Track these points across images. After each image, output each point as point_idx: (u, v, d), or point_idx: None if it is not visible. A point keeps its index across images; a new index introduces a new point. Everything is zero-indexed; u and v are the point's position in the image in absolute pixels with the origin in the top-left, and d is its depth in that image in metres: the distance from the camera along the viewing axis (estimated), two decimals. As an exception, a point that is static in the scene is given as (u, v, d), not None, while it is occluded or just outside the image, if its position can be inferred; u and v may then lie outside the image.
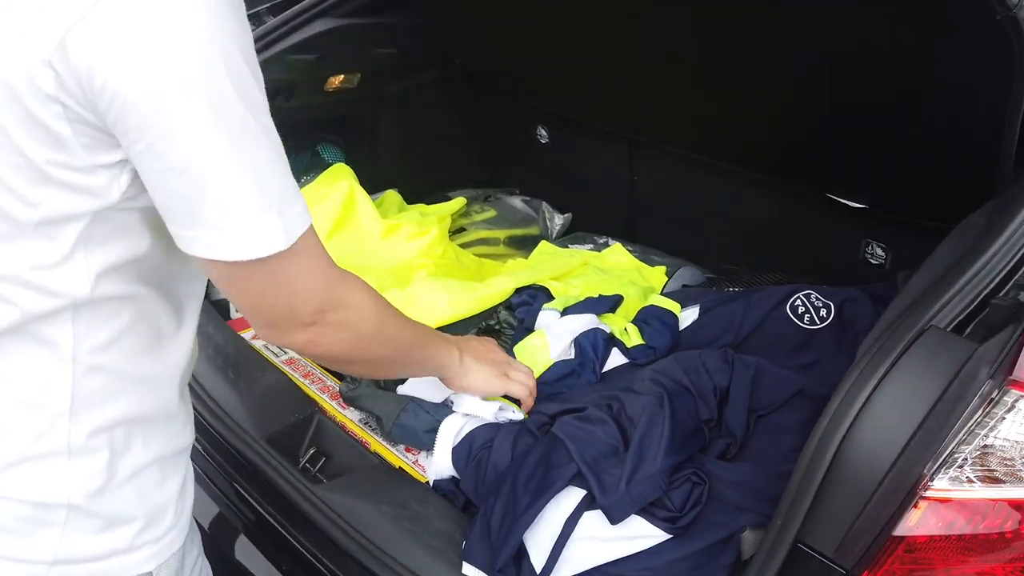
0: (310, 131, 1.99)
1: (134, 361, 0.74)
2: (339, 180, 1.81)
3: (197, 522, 0.94)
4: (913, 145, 1.27)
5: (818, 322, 1.38)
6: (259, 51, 1.69)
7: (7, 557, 0.70)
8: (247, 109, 0.62)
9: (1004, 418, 0.76)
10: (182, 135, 0.60)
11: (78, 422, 0.71)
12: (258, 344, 1.54)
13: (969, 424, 0.78)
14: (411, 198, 1.98)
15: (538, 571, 1.01)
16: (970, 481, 0.78)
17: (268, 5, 1.81)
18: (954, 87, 1.12)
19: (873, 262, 1.60)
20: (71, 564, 0.73)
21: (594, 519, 1.03)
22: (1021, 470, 0.78)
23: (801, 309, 1.40)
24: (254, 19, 1.78)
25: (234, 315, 1.62)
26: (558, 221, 2.14)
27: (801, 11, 1.19)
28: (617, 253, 1.91)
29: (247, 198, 0.63)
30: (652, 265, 1.86)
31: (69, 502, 0.71)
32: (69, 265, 0.66)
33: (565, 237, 2.09)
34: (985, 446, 0.78)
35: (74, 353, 0.69)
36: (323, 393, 1.43)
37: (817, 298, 1.41)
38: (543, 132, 2.12)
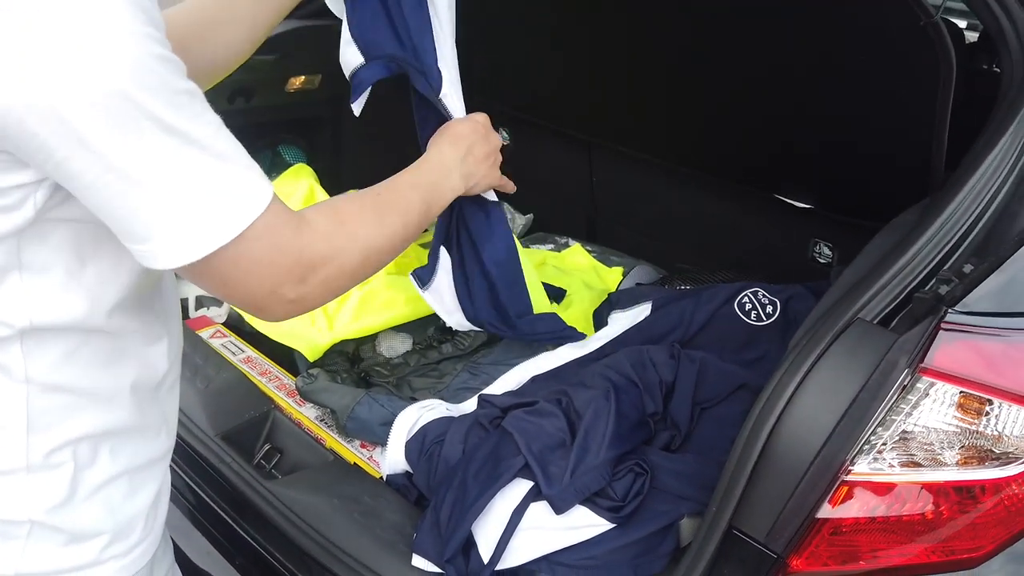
0: (271, 131, 2.00)
1: (92, 377, 0.72)
2: (299, 179, 1.82)
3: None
4: (852, 150, 1.31)
5: (764, 318, 1.42)
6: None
7: None
8: (159, 107, 0.58)
9: (919, 404, 0.80)
10: (88, 152, 0.57)
11: (36, 440, 0.69)
12: (215, 343, 1.55)
13: (889, 411, 0.81)
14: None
15: (485, 561, 1.03)
16: (890, 466, 0.82)
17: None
18: (886, 95, 1.17)
19: (820, 261, 1.65)
20: None
21: (540, 510, 1.06)
22: (939, 455, 0.82)
23: (748, 306, 1.44)
24: None
25: (192, 314, 1.63)
26: (519, 221, 2.16)
27: (747, 27, 1.23)
28: (576, 253, 1.95)
29: (175, 201, 0.60)
30: (610, 265, 1.90)
31: (30, 518, 0.70)
32: (5, 293, 0.64)
33: (526, 237, 2.12)
34: (904, 431, 0.81)
35: (26, 374, 0.67)
36: (280, 391, 1.44)
37: (764, 295, 1.45)
38: (504, 134, 2.15)
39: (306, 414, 1.39)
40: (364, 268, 0.79)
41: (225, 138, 0.64)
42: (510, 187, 1.18)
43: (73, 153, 0.57)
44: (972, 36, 1.91)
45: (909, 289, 0.95)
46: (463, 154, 1.04)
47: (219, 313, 1.63)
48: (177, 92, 0.60)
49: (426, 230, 1.03)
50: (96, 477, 0.74)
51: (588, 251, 1.94)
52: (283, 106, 1.92)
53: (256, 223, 0.64)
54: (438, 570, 1.06)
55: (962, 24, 1.91)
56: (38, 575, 0.72)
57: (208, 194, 0.62)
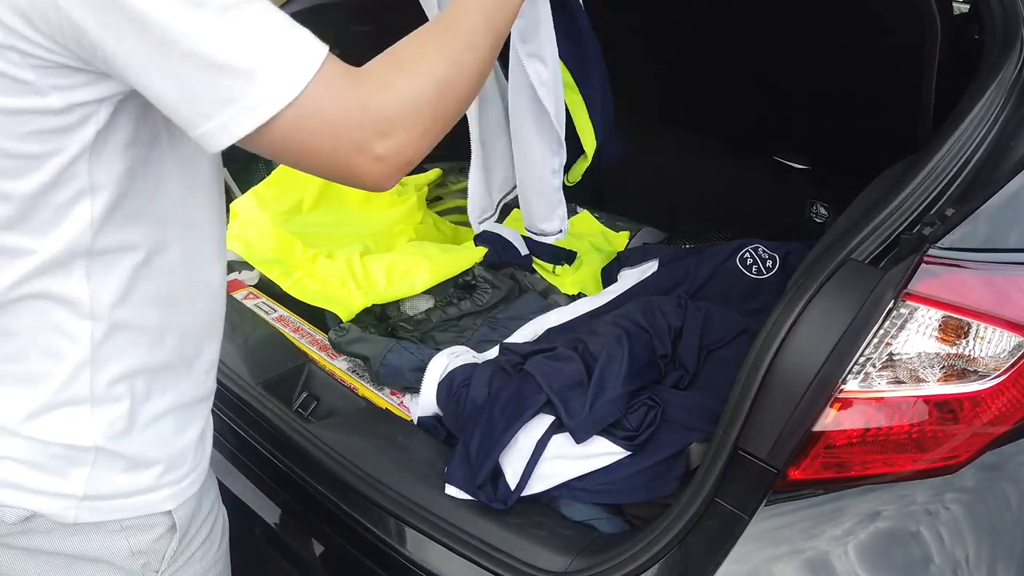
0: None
1: (148, 316, 0.77)
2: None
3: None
4: (844, 110, 1.40)
5: (764, 272, 1.52)
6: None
7: (42, 491, 0.76)
8: None
9: (904, 327, 0.90)
10: (135, 34, 0.58)
11: (99, 372, 0.75)
12: (249, 304, 1.65)
13: (877, 336, 0.91)
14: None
15: (512, 487, 1.14)
16: (878, 383, 0.91)
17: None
18: (874, 57, 1.25)
19: (817, 220, 1.75)
20: (99, 500, 0.77)
21: (561, 441, 1.16)
22: (922, 374, 0.92)
23: (749, 261, 1.54)
24: None
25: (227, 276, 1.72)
26: (529, 191, 2.25)
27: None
28: (585, 220, 2.04)
29: (223, 69, 0.60)
30: (617, 230, 2.00)
31: (95, 444, 0.76)
32: (76, 215, 0.69)
33: (536, 206, 2.21)
34: (891, 354, 0.91)
35: (91, 310, 0.73)
36: (313, 346, 1.54)
37: (764, 251, 1.55)
38: (513, 106, 2.24)
39: (339, 366, 1.49)
40: (443, 104, 0.71)
41: (260, 4, 0.62)
42: None
43: (118, 40, 0.58)
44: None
45: (897, 232, 1.04)
46: None
47: (251, 276, 1.73)
48: None
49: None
50: (151, 410, 0.80)
51: (596, 217, 2.03)
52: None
53: (312, 82, 0.62)
54: (469, 497, 1.16)
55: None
56: (104, 496, 0.78)
57: (258, 58, 0.61)
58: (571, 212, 2.10)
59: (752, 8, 1.33)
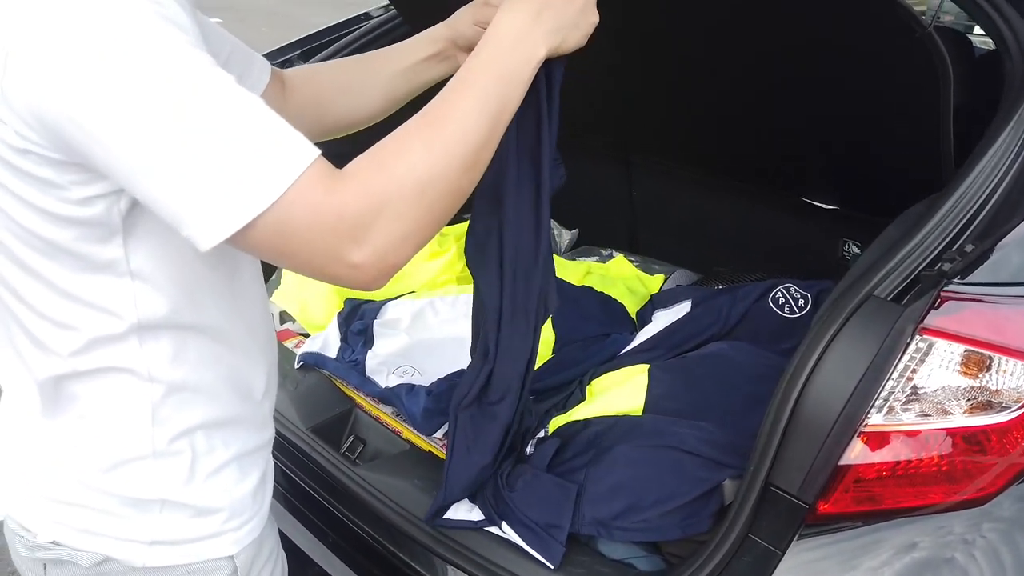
0: (334, 165, 2.19)
1: (202, 375, 0.81)
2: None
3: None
4: (869, 153, 1.44)
5: (797, 311, 1.55)
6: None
7: (114, 537, 0.81)
8: (180, 94, 0.60)
9: (924, 362, 0.92)
10: (116, 145, 0.60)
11: (159, 430, 0.79)
12: (299, 352, 1.73)
13: (899, 371, 0.94)
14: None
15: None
16: (903, 417, 0.94)
17: (298, 52, 2.02)
18: (893, 102, 1.29)
19: (850, 259, 1.76)
20: (166, 545, 0.81)
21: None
22: (947, 406, 0.94)
23: (782, 300, 1.57)
24: (284, 65, 1.99)
25: (278, 327, 1.81)
26: (566, 236, 2.32)
27: (763, 42, 1.37)
28: (620, 264, 2.09)
29: (197, 180, 0.61)
30: (652, 273, 2.04)
31: (161, 496, 0.80)
32: (119, 292, 0.73)
33: (573, 251, 2.27)
34: (914, 387, 0.93)
35: (149, 373, 0.76)
36: (359, 391, 1.61)
37: (796, 290, 1.58)
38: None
39: (384, 410, 1.55)
40: (426, 203, 0.67)
41: (246, 109, 0.63)
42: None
43: (104, 149, 0.61)
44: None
45: (918, 269, 1.07)
46: (537, 10, 0.78)
47: (300, 326, 1.81)
48: (190, 75, 0.61)
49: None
50: (212, 462, 0.84)
51: (631, 261, 2.08)
52: (345, 140, 2.11)
53: (289, 189, 0.61)
54: (512, 537, 1.19)
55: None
56: (171, 541, 0.82)
57: (236, 166, 0.61)
58: (606, 257, 2.16)
59: (774, 56, 1.39)
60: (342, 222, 0.64)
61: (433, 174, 0.68)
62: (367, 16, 2.15)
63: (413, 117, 0.71)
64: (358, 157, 0.68)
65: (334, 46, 2.01)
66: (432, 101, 0.72)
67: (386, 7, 2.13)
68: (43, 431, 0.80)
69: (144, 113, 0.59)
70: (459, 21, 1.00)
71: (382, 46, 2.08)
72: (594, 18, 0.83)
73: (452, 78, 0.75)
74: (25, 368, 0.79)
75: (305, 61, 1.97)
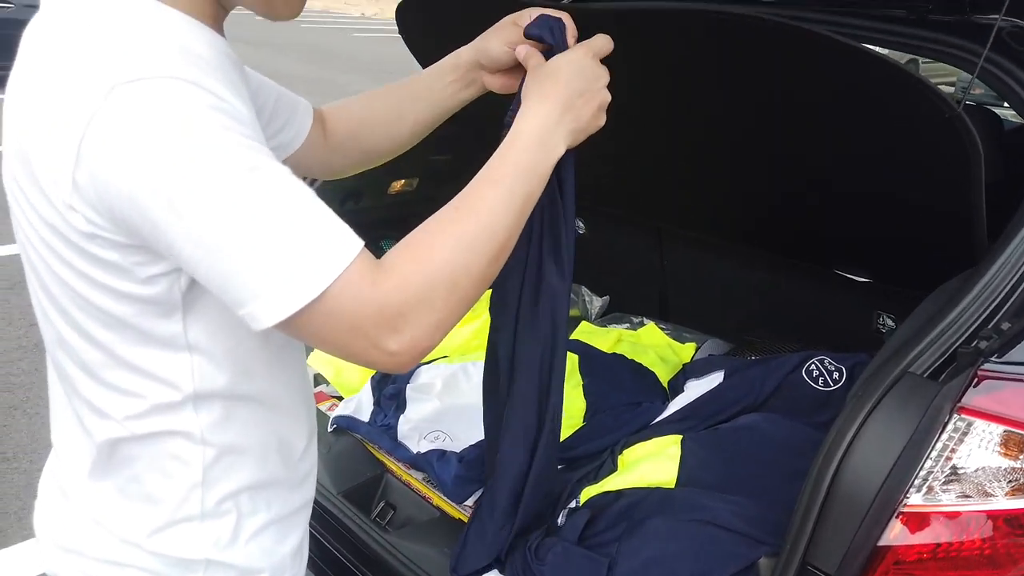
0: (375, 229, 2.25)
1: (251, 438, 0.83)
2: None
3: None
4: (901, 228, 1.45)
5: (831, 384, 1.54)
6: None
7: None
8: (239, 189, 0.63)
9: (964, 441, 0.91)
10: (180, 235, 0.64)
11: (209, 492, 0.81)
12: (332, 415, 1.75)
13: (937, 450, 0.93)
14: (463, 286, 2.21)
15: None
16: (943, 498, 0.92)
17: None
18: (924, 179, 1.31)
19: (884, 331, 1.75)
20: None
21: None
22: (988, 487, 0.92)
23: (816, 373, 1.56)
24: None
25: (313, 389, 1.84)
26: (597, 303, 2.34)
27: (798, 121, 1.41)
28: (651, 332, 2.10)
29: (257, 265, 0.65)
30: (683, 341, 2.04)
31: (206, 557, 0.82)
32: (177, 364, 0.76)
33: (604, 317, 2.28)
34: (953, 468, 0.92)
35: (202, 437, 0.79)
36: (389, 455, 1.61)
37: (830, 362, 1.57)
38: (580, 223, 2.36)
39: (415, 476, 1.55)
40: (458, 294, 0.72)
41: (301, 201, 0.66)
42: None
43: (167, 237, 0.64)
44: None
45: (954, 346, 1.07)
46: (560, 113, 0.85)
47: (333, 389, 1.84)
48: (258, 157, 0.65)
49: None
50: (255, 523, 0.86)
51: (662, 329, 2.09)
52: (385, 206, 2.18)
53: (335, 282, 0.65)
54: (540, 608, 1.18)
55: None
56: None
57: (288, 257, 0.65)
58: (637, 324, 2.17)
59: (806, 133, 1.42)
60: (383, 313, 0.68)
61: (464, 267, 0.72)
62: None
63: (445, 209, 0.76)
64: (396, 249, 0.73)
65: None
66: (462, 194, 0.77)
67: None
68: (91, 491, 0.83)
69: (205, 205, 0.63)
70: (487, 42, 1.03)
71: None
72: (601, 123, 0.90)
73: (481, 171, 0.79)
74: (82, 430, 0.81)
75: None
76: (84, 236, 0.68)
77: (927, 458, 0.93)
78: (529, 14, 1.00)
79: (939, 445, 0.93)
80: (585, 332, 2.07)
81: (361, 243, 0.68)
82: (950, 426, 0.92)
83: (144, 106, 0.63)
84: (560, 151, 0.84)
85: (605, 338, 1.98)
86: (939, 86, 1.16)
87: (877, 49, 1.29)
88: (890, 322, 1.77)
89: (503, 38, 1.02)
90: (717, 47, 1.35)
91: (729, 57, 1.34)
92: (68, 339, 0.77)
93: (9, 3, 8.43)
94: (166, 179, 0.62)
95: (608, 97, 0.90)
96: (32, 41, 0.72)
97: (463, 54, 1.06)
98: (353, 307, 0.67)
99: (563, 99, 0.85)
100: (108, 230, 0.67)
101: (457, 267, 0.72)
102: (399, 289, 0.69)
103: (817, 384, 1.54)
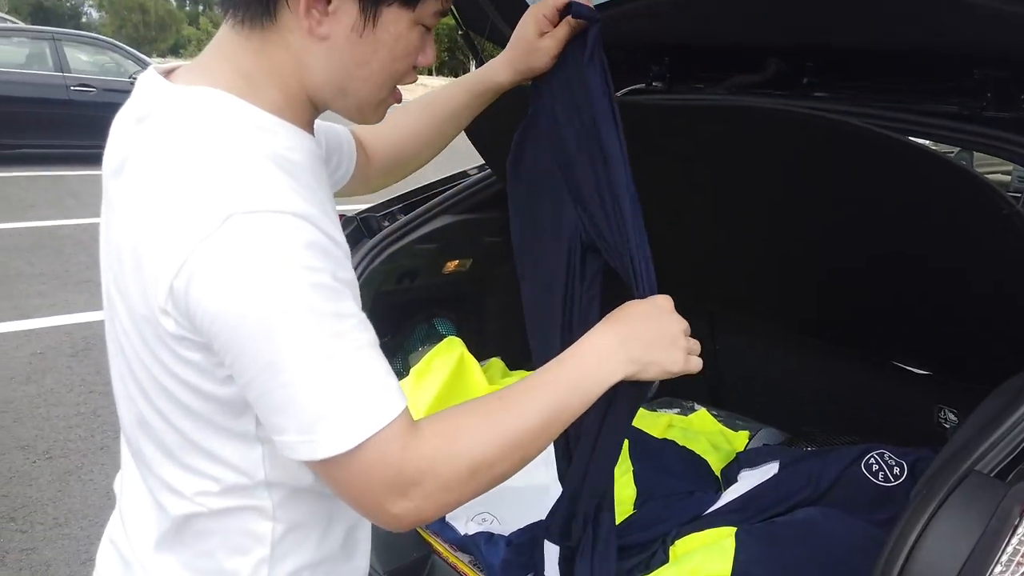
0: (428, 307, 2.30)
1: (315, 512, 0.86)
2: (452, 351, 2.08)
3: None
4: (961, 322, 1.43)
5: (892, 480, 1.49)
6: (391, 243, 2.09)
7: None
8: (308, 334, 0.68)
9: (1035, 547, 0.87)
10: (245, 359, 0.69)
11: (276, 567, 0.84)
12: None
13: (1006, 555, 0.89)
14: (514, 365, 2.23)
15: None
16: (1015, 608, 0.88)
17: (400, 205, 2.18)
18: (983, 274, 1.30)
19: (946, 426, 1.70)
20: None
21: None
22: (1063, 599, 0.88)
23: (875, 467, 1.51)
24: (388, 217, 2.15)
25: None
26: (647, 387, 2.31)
27: (856, 214, 1.42)
28: (702, 418, 2.07)
29: (308, 409, 0.69)
30: (736, 429, 2.00)
31: None
32: (253, 456, 0.81)
33: (653, 401, 2.26)
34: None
35: (273, 513, 0.84)
36: (436, 536, 1.60)
37: (891, 457, 1.52)
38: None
39: (462, 559, 1.54)
40: (474, 483, 0.75)
41: (359, 358, 0.70)
42: (694, 366, 0.91)
43: (240, 361, 0.70)
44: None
45: (1022, 445, 1.03)
46: (622, 337, 0.86)
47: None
48: (336, 316, 0.70)
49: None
50: None
51: (714, 415, 2.06)
52: (439, 285, 2.23)
53: (369, 439, 0.69)
54: None
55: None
56: None
57: (337, 407, 0.69)
58: (688, 409, 2.14)
59: (863, 223, 1.42)
60: (400, 478, 0.72)
61: (488, 461, 0.75)
62: (463, 174, 2.32)
63: (489, 397, 0.79)
64: (433, 419, 0.76)
65: (433, 200, 2.16)
66: (508, 392, 0.80)
67: (480, 166, 2.30)
68: (156, 563, 0.85)
69: (281, 340, 0.68)
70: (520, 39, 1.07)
71: (479, 203, 2.24)
72: (679, 363, 0.87)
73: (532, 375, 0.82)
74: (153, 503, 0.84)
75: (406, 214, 2.11)
76: (173, 337, 0.72)
77: (997, 562, 0.89)
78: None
79: (1009, 549, 0.89)
80: (635, 417, 2.05)
81: (404, 404, 0.72)
82: (1020, 529, 0.88)
83: (253, 239, 0.68)
84: (616, 379, 0.84)
85: (655, 423, 1.96)
86: (995, 173, 1.16)
87: (927, 143, 1.31)
88: (952, 417, 1.71)
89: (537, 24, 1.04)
90: (777, 143, 1.38)
91: (789, 153, 1.37)
92: (150, 420, 0.81)
93: (91, 87, 9.13)
94: (245, 313, 0.67)
95: (691, 344, 0.89)
96: (132, 137, 0.77)
97: (502, 75, 1.10)
98: (376, 465, 0.71)
99: (627, 329, 0.86)
100: (194, 333, 0.71)
101: (482, 459, 0.75)
102: (422, 459, 0.72)
103: (877, 479, 1.50)
